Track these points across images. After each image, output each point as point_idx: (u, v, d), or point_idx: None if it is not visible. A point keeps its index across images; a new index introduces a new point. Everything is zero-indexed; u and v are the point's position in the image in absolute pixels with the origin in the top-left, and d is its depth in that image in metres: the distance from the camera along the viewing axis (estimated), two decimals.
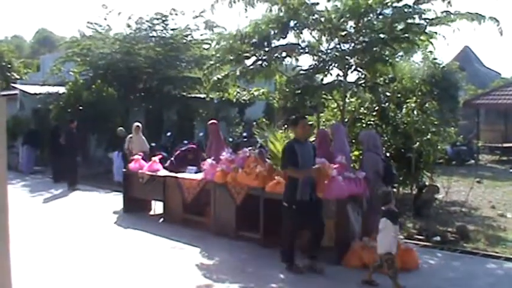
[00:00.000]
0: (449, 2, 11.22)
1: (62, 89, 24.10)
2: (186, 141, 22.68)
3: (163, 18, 26.21)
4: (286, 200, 8.71)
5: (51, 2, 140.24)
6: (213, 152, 12.68)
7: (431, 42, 12.29)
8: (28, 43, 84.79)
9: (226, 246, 10.50)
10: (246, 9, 12.17)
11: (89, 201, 15.83)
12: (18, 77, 38.94)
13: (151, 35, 26.22)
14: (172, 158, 13.89)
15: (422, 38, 12.03)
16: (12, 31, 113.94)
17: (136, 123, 16.09)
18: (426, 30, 11.79)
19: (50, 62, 29.51)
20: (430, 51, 14.42)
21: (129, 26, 26.27)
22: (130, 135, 15.98)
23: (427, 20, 11.62)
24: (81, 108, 22.10)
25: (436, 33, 11.90)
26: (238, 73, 12.94)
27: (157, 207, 13.75)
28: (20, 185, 19.07)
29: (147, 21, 26.17)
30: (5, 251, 3.37)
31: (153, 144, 21.44)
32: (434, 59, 17.41)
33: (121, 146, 18.29)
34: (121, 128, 19.48)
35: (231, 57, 12.98)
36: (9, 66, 39.45)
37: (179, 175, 12.58)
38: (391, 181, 10.62)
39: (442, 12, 11.47)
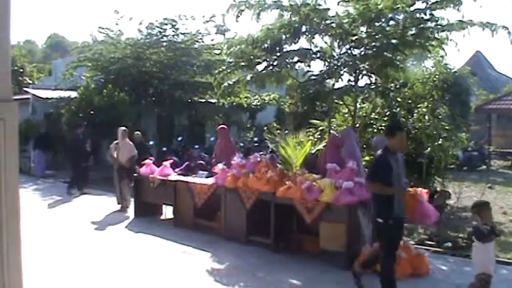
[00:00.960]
0: (458, 9, 11.18)
1: (73, 94, 24.19)
2: (197, 146, 22.76)
3: (173, 23, 26.27)
4: (381, 216, 7.78)
5: (64, 7, 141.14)
6: (224, 156, 12.68)
7: (442, 48, 12.24)
8: (40, 48, 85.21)
9: (236, 250, 10.51)
10: (257, 18, 12.16)
11: (100, 205, 15.85)
12: (30, 81, 39.14)
13: (162, 40, 26.28)
14: (181, 167, 13.86)
15: (433, 43, 11.98)
16: (24, 36, 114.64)
17: (123, 128, 15.66)
18: (437, 36, 11.75)
19: (62, 66, 29.66)
20: (442, 56, 14.39)
21: (140, 31, 26.37)
22: (117, 142, 15.58)
23: (439, 26, 11.59)
24: (92, 112, 22.17)
25: (447, 38, 11.85)
26: (249, 78, 12.95)
27: (168, 211, 13.77)
28: (32, 189, 19.14)
29: (157, 26, 26.24)
30: (17, 255, 3.38)
31: (164, 149, 21.54)
32: (446, 64, 17.41)
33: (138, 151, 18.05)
34: (137, 132, 19.05)
35: (243, 63, 12.98)
36: (21, 70, 39.62)
37: (190, 179, 12.61)
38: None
39: (454, 21, 11.42)
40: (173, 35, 26.49)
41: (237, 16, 12.19)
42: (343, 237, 9.07)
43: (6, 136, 3.29)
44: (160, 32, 26.30)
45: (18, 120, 3.45)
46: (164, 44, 26.15)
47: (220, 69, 13.80)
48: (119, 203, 15.50)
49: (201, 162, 14.69)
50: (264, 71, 13.02)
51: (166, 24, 26.26)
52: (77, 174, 18.56)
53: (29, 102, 27.07)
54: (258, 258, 9.98)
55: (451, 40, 11.86)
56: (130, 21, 29.33)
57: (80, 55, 26.44)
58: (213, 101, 24.86)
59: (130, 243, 11.37)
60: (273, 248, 10.32)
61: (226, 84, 13.38)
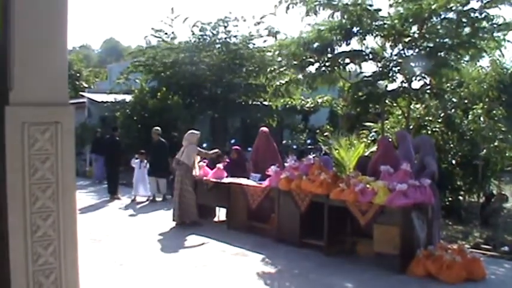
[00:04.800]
0: None
1: (128, 97, 24.54)
2: (250, 149, 22.85)
3: (225, 25, 26.44)
4: None
5: (119, 12, 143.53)
6: (267, 162, 12.54)
7: (500, 49, 11.99)
8: (96, 53, 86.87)
9: (289, 253, 10.49)
10: (308, 14, 12.12)
11: (155, 208, 16.02)
12: (86, 85, 39.94)
13: (215, 42, 26.45)
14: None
15: (490, 44, 11.76)
16: (80, 41, 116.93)
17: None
18: (493, 36, 11.52)
19: (117, 70, 30.17)
20: (499, 56, 14.10)
21: (193, 33, 26.61)
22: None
23: (495, 26, 11.37)
24: (146, 115, 22.43)
25: (505, 39, 11.62)
26: (301, 76, 12.93)
27: (221, 213, 13.85)
28: (88, 191, 19.42)
29: (211, 28, 26.44)
30: (74, 254, 3.47)
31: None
32: (502, 63, 17.08)
33: (152, 152, 17.51)
34: (157, 128, 18.11)
35: (294, 62, 12.95)
36: (78, 75, 40.46)
37: (244, 182, 12.64)
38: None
39: (511, 21, 11.20)
40: (225, 38, 26.66)
41: (287, 8, 12.15)
42: (397, 240, 8.97)
43: (63, 139, 3.38)
44: (213, 34, 26.50)
45: (74, 123, 3.54)
46: (217, 46, 26.34)
47: (272, 68, 13.81)
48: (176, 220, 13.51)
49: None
50: (315, 72, 12.98)
51: (218, 25, 26.46)
52: (110, 177, 18.55)
53: (85, 106, 27.60)
54: (311, 260, 9.94)
55: (508, 41, 11.63)
56: (184, 22, 29.14)
57: (134, 59, 26.83)
58: (266, 103, 24.93)
59: (183, 244, 11.46)
60: (327, 250, 10.27)
61: (277, 83, 13.37)
